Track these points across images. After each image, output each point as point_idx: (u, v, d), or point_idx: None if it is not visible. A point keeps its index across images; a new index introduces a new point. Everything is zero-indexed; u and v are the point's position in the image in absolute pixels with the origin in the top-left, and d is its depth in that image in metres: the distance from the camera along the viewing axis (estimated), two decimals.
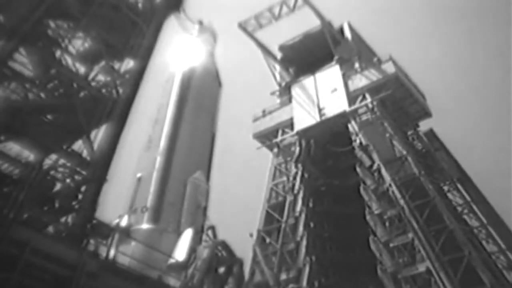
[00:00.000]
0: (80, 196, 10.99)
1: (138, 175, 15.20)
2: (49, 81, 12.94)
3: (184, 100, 17.11)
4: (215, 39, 20.45)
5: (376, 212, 25.44)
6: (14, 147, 11.61)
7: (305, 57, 35.75)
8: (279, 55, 36.46)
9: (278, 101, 34.75)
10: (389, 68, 30.08)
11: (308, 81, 33.22)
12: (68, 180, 11.45)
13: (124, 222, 13.48)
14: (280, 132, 32.26)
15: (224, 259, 12.41)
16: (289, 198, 28.33)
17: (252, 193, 47.91)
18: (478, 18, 71.01)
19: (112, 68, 13.99)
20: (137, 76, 13.77)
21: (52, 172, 11.08)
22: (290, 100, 33.45)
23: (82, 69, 13.80)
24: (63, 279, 8.62)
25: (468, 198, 27.90)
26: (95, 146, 12.31)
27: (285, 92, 34.40)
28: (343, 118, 29.77)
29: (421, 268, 22.79)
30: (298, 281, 24.61)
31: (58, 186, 11.14)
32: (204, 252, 12.16)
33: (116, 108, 12.72)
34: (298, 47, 35.87)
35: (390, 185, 25.56)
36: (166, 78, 18.40)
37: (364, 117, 29.53)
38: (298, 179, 28.96)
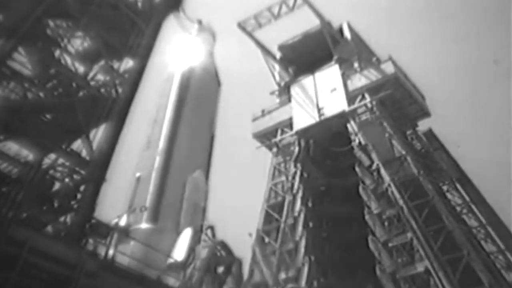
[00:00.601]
0: (79, 196, 11.00)
1: (137, 174, 15.20)
2: (48, 81, 12.96)
3: (183, 100, 17.09)
4: (214, 38, 20.44)
5: (375, 212, 25.45)
6: (13, 147, 11.65)
7: (305, 56, 35.66)
8: (278, 54, 36.39)
9: (277, 100, 34.70)
10: (388, 68, 30.07)
11: (307, 80, 33.20)
12: (67, 180, 11.47)
13: (123, 222, 13.46)
14: (279, 131, 32.22)
15: (223, 259, 12.42)
16: (288, 197, 28.33)
17: (251, 193, 47.97)
18: (477, 18, 71.08)
19: (111, 67, 13.99)
20: (136, 76, 13.77)
21: (51, 172, 11.10)
22: (289, 100, 33.42)
23: (81, 69, 13.82)
24: (62, 279, 8.61)
25: (467, 198, 27.86)
26: (94, 145, 12.34)
27: (285, 91, 34.36)
28: (342, 118, 29.75)
29: (420, 268, 22.80)
30: (297, 280, 24.62)
31: (57, 185, 11.16)
32: (203, 251, 12.18)
33: (115, 108, 12.72)
34: (298, 46, 35.81)
35: (389, 185, 25.56)
36: (165, 78, 18.39)
37: (363, 117, 29.49)
38: (297, 178, 28.95)
